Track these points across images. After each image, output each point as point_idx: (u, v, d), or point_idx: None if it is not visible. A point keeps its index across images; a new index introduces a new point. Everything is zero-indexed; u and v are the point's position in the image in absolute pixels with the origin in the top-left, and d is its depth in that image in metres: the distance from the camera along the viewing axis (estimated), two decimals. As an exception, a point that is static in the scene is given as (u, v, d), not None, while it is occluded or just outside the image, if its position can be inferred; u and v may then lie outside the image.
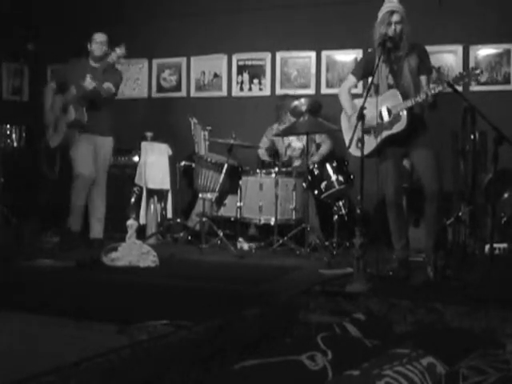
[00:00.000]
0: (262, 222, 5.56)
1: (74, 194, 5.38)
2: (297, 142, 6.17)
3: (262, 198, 5.53)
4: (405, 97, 4.12)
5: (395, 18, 4.12)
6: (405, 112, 4.11)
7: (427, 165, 4.18)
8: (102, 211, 5.54)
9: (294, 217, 5.51)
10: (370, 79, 4.21)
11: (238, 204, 5.51)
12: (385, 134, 4.19)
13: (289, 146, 6.21)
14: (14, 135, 6.56)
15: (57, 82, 5.56)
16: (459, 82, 3.99)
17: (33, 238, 5.61)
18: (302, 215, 5.47)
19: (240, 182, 5.56)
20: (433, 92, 3.97)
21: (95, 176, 5.42)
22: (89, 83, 5.12)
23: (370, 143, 4.20)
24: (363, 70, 4.38)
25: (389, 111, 4.17)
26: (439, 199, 4.16)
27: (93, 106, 5.30)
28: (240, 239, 5.64)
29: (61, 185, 5.76)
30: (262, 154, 6.35)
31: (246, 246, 5.60)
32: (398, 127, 4.15)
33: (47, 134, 5.52)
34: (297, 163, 6.06)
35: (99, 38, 5.48)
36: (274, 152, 6.35)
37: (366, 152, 4.14)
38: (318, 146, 6.12)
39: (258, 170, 5.67)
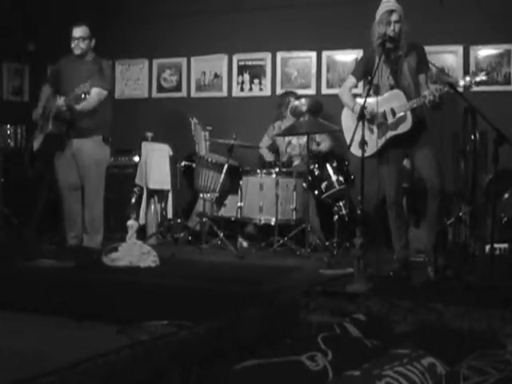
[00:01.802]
0: (263, 222, 5.56)
1: (62, 203, 5.15)
2: (297, 140, 6.17)
3: (263, 198, 5.52)
4: (407, 97, 4.12)
5: (394, 17, 4.12)
6: (409, 112, 4.12)
7: (429, 162, 4.20)
8: (92, 221, 5.04)
9: (294, 217, 5.51)
10: (369, 79, 4.21)
11: (239, 204, 5.51)
12: (389, 134, 4.20)
13: (289, 143, 6.21)
14: (14, 135, 6.55)
15: (51, 86, 5.18)
16: (468, 85, 4.01)
17: (33, 238, 5.60)
18: (302, 215, 5.47)
19: (240, 182, 5.56)
20: (439, 93, 3.98)
21: (78, 183, 5.04)
22: (61, 105, 4.73)
23: (373, 144, 4.20)
24: (363, 69, 4.38)
25: (393, 111, 4.17)
26: (441, 195, 4.17)
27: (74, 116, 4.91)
28: (240, 238, 5.65)
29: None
30: (266, 154, 6.33)
31: (245, 244, 5.59)
32: (404, 128, 4.15)
33: (35, 133, 5.18)
34: (297, 162, 6.06)
35: (76, 33, 4.96)
36: (275, 150, 6.35)
37: (369, 153, 4.15)
38: (318, 145, 6.12)
39: (258, 170, 5.67)
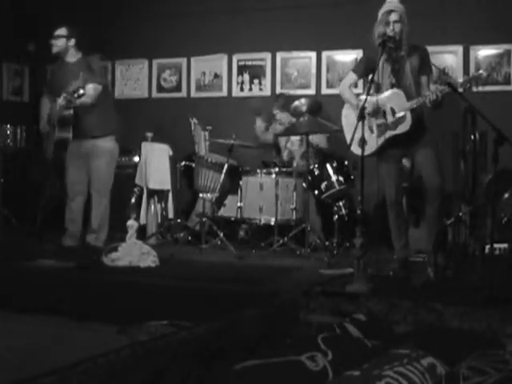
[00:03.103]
0: (263, 222, 5.55)
1: (69, 204, 5.17)
2: (296, 137, 6.16)
3: (263, 198, 5.52)
4: (407, 97, 4.12)
5: (393, 17, 4.11)
6: (409, 113, 4.12)
7: (429, 162, 4.18)
8: (98, 222, 5.11)
9: (294, 217, 5.50)
10: (370, 78, 4.20)
11: (239, 204, 5.51)
12: (388, 134, 4.19)
13: (288, 139, 6.19)
14: (13, 135, 6.55)
15: (50, 94, 5.16)
16: (466, 86, 4.00)
17: (33, 238, 5.60)
18: (302, 215, 5.47)
19: (240, 182, 5.56)
20: (441, 93, 3.97)
21: (85, 185, 5.08)
22: (60, 104, 4.74)
23: (372, 143, 4.20)
24: (365, 67, 4.37)
25: (392, 111, 4.17)
26: (441, 196, 4.16)
27: (77, 116, 4.89)
28: (241, 231, 5.64)
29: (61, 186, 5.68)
30: (265, 136, 6.25)
31: (245, 237, 5.59)
32: (403, 128, 4.15)
33: (44, 143, 5.18)
34: (297, 158, 6.04)
35: (55, 32, 5.02)
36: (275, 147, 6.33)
37: (368, 151, 4.15)
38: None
39: (258, 170, 5.67)
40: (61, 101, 4.76)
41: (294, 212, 5.50)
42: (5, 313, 3.62)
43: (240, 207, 5.52)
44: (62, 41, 5.03)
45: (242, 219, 5.59)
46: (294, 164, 6.04)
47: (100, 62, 5.01)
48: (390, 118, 4.19)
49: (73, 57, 5.09)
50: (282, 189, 5.47)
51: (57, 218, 5.41)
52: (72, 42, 5.06)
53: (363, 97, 4.23)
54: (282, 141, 6.24)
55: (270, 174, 5.59)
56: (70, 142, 4.99)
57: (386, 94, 4.20)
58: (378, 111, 4.20)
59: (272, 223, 5.44)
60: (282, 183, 5.49)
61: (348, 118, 4.45)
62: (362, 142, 3.85)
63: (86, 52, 5.13)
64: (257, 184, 5.58)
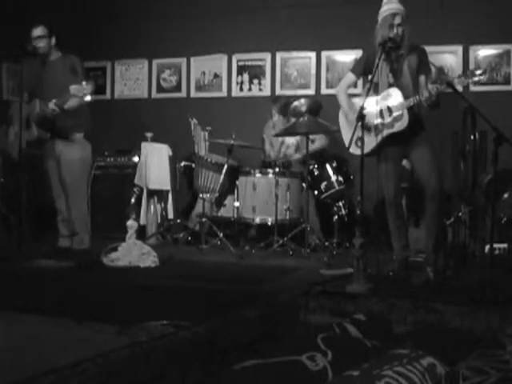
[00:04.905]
0: (258, 222, 5.53)
1: (57, 205, 5.16)
2: (290, 139, 6.15)
3: (259, 198, 5.51)
4: (405, 96, 4.12)
5: (397, 20, 4.11)
6: (406, 111, 4.12)
7: (425, 163, 4.18)
8: (75, 225, 5.05)
9: (287, 217, 5.48)
10: (369, 78, 4.21)
11: (236, 204, 5.50)
12: (386, 132, 4.20)
13: (282, 143, 6.20)
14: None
15: (28, 92, 5.10)
16: (461, 82, 4.00)
17: (32, 238, 5.60)
18: (297, 215, 5.45)
19: (237, 182, 5.55)
20: (435, 91, 3.97)
21: (61, 184, 5.03)
22: (52, 110, 4.73)
23: (370, 142, 4.20)
24: (363, 66, 4.37)
25: (389, 110, 4.17)
26: (440, 197, 4.15)
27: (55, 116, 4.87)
28: (241, 242, 5.63)
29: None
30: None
31: (247, 248, 5.57)
32: (400, 126, 4.15)
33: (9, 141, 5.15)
34: (295, 158, 6.04)
35: (35, 33, 4.95)
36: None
37: (366, 150, 4.15)
38: (313, 142, 6.08)
39: (252, 171, 5.63)
40: (52, 108, 4.74)
41: (288, 212, 5.48)
42: (5, 313, 3.61)
43: (237, 207, 5.51)
44: (44, 41, 4.98)
45: (239, 219, 5.58)
46: (293, 163, 6.02)
47: (81, 63, 4.98)
48: (386, 117, 4.19)
49: (54, 55, 5.06)
50: (279, 189, 5.45)
51: (51, 218, 5.41)
52: (53, 40, 5.03)
53: (356, 100, 4.25)
54: (277, 144, 6.22)
55: (266, 174, 5.58)
56: (45, 144, 5.01)
57: (383, 93, 4.21)
58: (371, 129, 4.20)
59: (269, 223, 5.43)
60: (279, 183, 5.46)
61: (342, 117, 4.46)
62: (362, 142, 3.85)
63: (65, 51, 5.10)
64: (252, 184, 5.56)
